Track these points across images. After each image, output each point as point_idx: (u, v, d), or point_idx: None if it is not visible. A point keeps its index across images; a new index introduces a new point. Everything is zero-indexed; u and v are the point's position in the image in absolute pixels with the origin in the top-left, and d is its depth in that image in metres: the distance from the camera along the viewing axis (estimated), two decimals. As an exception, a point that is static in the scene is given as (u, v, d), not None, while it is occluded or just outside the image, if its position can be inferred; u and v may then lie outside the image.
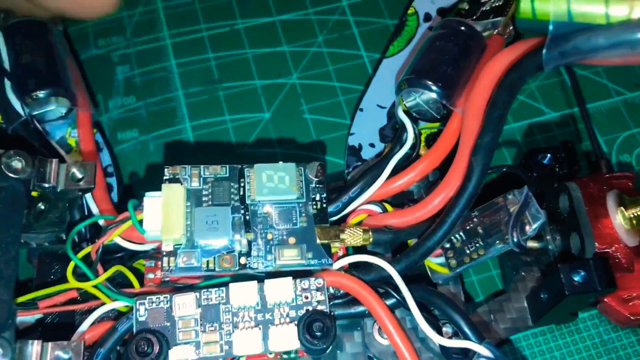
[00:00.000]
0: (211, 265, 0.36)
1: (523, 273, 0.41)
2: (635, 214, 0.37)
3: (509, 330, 0.40)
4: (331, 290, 0.38)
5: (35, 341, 0.33)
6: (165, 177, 0.37)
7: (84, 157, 0.42)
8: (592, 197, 0.38)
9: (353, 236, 0.38)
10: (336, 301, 0.37)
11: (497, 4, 0.43)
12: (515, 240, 0.36)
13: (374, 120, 0.46)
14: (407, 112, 0.42)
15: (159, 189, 0.36)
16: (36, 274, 0.40)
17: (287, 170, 0.38)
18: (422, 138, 0.43)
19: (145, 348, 0.33)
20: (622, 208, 0.38)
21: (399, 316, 0.37)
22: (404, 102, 0.42)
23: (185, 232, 0.36)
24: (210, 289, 0.35)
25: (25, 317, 0.36)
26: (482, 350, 0.34)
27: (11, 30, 0.42)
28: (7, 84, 0.40)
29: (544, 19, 0.33)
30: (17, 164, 0.36)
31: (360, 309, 0.37)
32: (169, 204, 0.36)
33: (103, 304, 0.36)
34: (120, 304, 0.36)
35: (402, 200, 0.41)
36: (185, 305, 0.35)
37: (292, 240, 0.37)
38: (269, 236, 0.37)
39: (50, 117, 0.42)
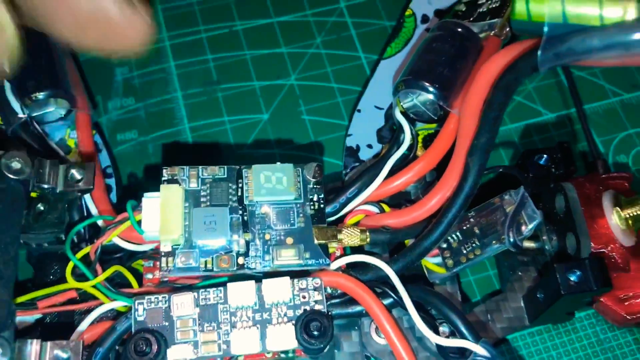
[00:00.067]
0: (209, 266, 0.36)
1: (520, 273, 0.41)
2: (631, 214, 0.38)
3: (505, 330, 0.40)
4: (329, 290, 0.38)
5: (34, 340, 0.33)
6: (163, 178, 0.38)
7: (83, 158, 0.42)
8: (588, 197, 0.38)
9: (350, 236, 0.38)
10: (334, 301, 0.38)
11: (493, 6, 0.43)
12: (511, 240, 0.37)
13: (372, 121, 0.46)
14: (404, 113, 0.42)
15: (158, 190, 0.37)
16: (35, 274, 0.40)
17: (284, 171, 0.38)
18: (420, 139, 0.44)
19: (144, 347, 0.33)
20: (617, 208, 0.38)
21: (396, 316, 0.38)
22: (401, 103, 0.42)
23: (184, 232, 0.36)
24: (208, 289, 0.35)
25: (25, 317, 0.37)
26: (478, 349, 0.35)
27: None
28: (7, 85, 0.41)
29: (539, 20, 0.34)
30: (17, 164, 0.36)
31: (358, 308, 0.37)
32: (168, 205, 0.36)
33: (102, 304, 0.36)
34: (119, 304, 0.36)
35: (399, 200, 0.41)
36: (183, 305, 0.35)
37: (289, 240, 0.37)
38: (267, 236, 0.37)
39: (49, 119, 0.42)
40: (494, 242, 0.37)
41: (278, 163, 0.39)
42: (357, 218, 0.40)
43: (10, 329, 0.33)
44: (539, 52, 0.33)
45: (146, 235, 0.36)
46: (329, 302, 0.37)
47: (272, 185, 0.38)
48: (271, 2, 0.53)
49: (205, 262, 0.36)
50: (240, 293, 0.35)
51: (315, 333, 0.34)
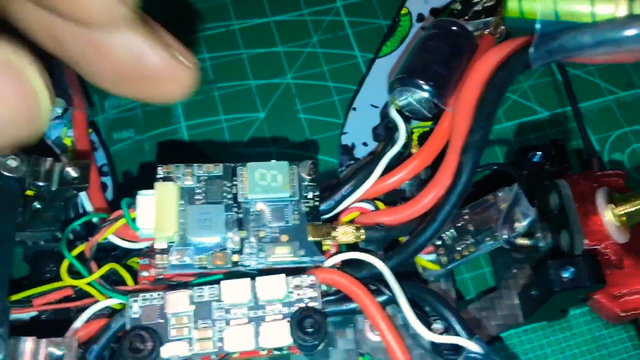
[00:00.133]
0: (204, 263, 0.36)
1: (514, 270, 0.41)
2: (625, 211, 0.38)
3: (500, 327, 0.40)
4: (324, 287, 0.38)
5: (29, 338, 0.33)
6: (158, 176, 0.38)
7: (79, 157, 0.42)
8: (583, 195, 0.39)
9: (345, 234, 0.38)
10: (329, 298, 0.38)
11: (488, 4, 0.43)
12: (505, 237, 0.37)
13: (367, 119, 0.46)
14: (399, 111, 0.42)
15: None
16: (32, 272, 0.40)
17: (280, 169, 0.38)
18: (415, 137, 0.44)
19: (138, 345, 0.33)
20: (612, 205, 0.38)
21: (391, 313, 0.38)
22: (397, 102, 0.42)
23: (179, 230, 0.36)
24: (203, 287, 0.36)
25: (20, 315, 0.37)
26: (472, 346, 0.35)
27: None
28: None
29: (532, 17, 0.34)
30: (12, 162, 0.36)
31: (352, 305, 0.37)
32: (162, 202, 0.36)
33: (97, 301, 0.37)
34: (114, 301, 0.36)
35: (394, 198, 0.42)
36: (178, 302, 0.35)
37: (284, 237, 0.37)
38: (262, 234, 0.37)
39: (46, 117, 0.42)
40: (487, 239, 0.38)
41: (273, 161, 0.39)
42: (352, 215, 0.40)
43: (5, 326, 0.33)
44: (531, 49, 0.34)
45: (141, 233, 0.36)
46: (324, 299, 0.37)
47: (267, 183, 0.38)
48: (268, 2, 0.53)
49: (200, 259, 0.36)
50: (235, 290, 0.35)
51: (309, 330, 0.34)
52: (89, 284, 0.36)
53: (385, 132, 0.45)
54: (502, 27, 0.43)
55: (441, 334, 0.36)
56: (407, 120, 0.42)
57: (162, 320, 0.35)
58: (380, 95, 0.46)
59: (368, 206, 0.40)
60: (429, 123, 0.44)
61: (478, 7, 0.43)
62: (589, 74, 0.50)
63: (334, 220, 0.40)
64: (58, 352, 0.34)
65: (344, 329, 0.39)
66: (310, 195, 0.39)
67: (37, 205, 0.39)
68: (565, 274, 0.35)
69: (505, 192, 0.38)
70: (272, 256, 0.37)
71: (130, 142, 0.47)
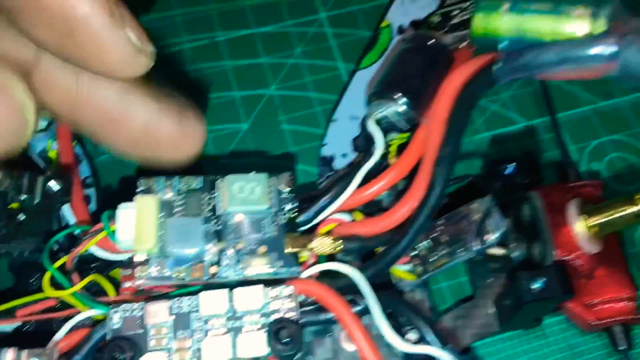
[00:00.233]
0: (182, 275, 0.37)
1: (490, 280, 0.41)
2: (597, 222, 0.38)
3: (476, 336, 0.41)
4: (303, 298, 0.39)
5: (10, 349, 0.34)
6: (139, 189, 0.39)
7: (64, 169, 0.43)
8: (554, 206, 0.39)
9: (322, 245, 0.39)
10: (307, 308, 0.38)
11: (465, 17, 0.44)
12: (477, 248, 0.37)
13: (347, 130, 0.47)
14: (378, 123, 0.43)
15: (136, 200, 0.38)
16: (16, 283, 0.41)
17: (258, 181, 0.39)
18: (394, 148, 0.44)
19: (118, 355, 0.34)
20: (585, 215, 0.39)
21: (367, 323, 0.38)
22: (374, 114, 0.43)
23: (158, 242, 0.37)
24: (182, 298, 0.36)
25: (3, 326, 0.37)
26: (443, 356, 0.35)
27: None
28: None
29: (497, 35, 0.35)
30: (-5, 177, 0.37)
31: (329, 315, 0.38)
32: (142, 215, 0.37)
33: (80, 312, 0.37)
34: (96, 312, 0.37)
35: (373, 209, 0.42)
36: (157, 313, 0.36)
37: (262, 249, 0.38)
38: (240, 246, 0.38)
39: (30, 131, 0.43)
40: (460, 250, 0.38)
41: (253, 173, 0.39)
42: (329, 227, 0.41)
43: (-14, 338, 0.34)
44: (496, 67, 0.34)
45: (121, 245, 0.37)
46: (302, 309, 0.37)
47: (245, 195, 0.39)
48: (252, 13, 0.54)
49: (179, 271, 0.37)
50: (213, 301, 0.36)
51: (286, 340, 0.35)
52: (71, 295, 0.37)
53: (365, 143, 0.46)
54: (476, 42, 0.43)
55: (415, 343, 0.37)
56: (385, 132, 0.43)
57: (142, 331, 0.35)
58: (360, 107, 0.47)
59: (345, 217, 0.41)
60: (408, 134, 0.44)
61: (455, 20, 0.44)
62: (568, 84, 0.51)
63: (313, 231, 0.41)
64: (38, 363, 0.34)
65: (323, 338, 0.39)
66: (288, 207, 0.39)
67: (21, 217, 0.39)
68: (535, 285, 0.36)
69: (479, 204, 0.39)
70: (250, 268, 0.37)
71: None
